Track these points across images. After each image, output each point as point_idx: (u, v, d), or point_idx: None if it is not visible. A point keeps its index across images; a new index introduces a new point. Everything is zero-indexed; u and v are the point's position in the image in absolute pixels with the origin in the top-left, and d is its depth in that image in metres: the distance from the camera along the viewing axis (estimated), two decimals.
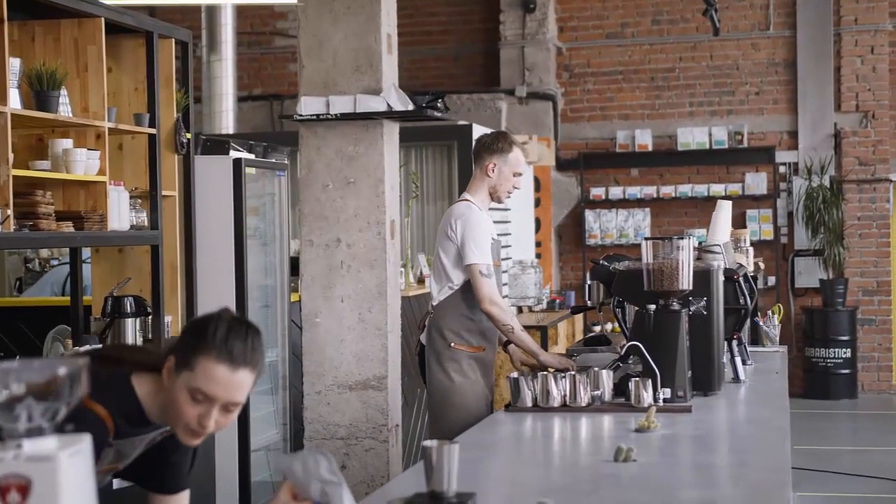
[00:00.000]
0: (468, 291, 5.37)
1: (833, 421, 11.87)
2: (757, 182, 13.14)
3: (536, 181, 12.80)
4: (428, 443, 2.83)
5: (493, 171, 5.48)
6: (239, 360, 2.68)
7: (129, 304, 5.69)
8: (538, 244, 12.86)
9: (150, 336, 5.88)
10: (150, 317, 5.85)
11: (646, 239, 4.66)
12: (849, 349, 12.75)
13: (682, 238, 4.60)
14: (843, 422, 11.96)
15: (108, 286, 5.90)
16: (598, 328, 12.47)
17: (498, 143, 5.53)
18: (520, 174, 5.55)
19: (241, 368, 2.68)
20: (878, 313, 13.13)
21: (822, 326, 12.79)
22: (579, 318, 11.77)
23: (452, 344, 5.39)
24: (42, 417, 1.83)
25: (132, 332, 5.69)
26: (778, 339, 6.77)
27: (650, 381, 4.39)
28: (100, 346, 5.32)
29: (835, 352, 12.73)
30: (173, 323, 6.15)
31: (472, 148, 10.38)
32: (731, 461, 3.63)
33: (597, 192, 13.45)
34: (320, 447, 2.61)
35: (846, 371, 12.76)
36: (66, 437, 1.86)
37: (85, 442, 1.87)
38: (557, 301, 11.36)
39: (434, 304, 5.49)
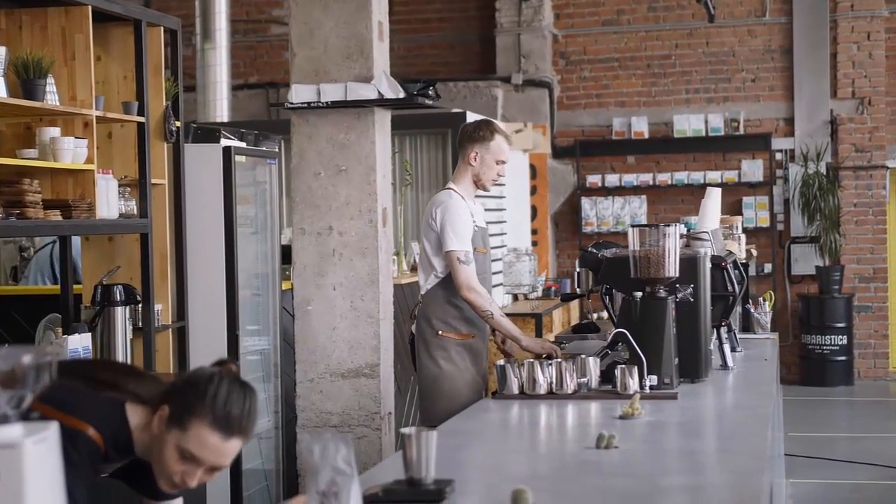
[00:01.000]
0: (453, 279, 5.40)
1: (829, 408, 11.88)
2: (753, 169, 13.13)
3: (532, 169, 12.80)
4: (406, 430, 2.84)
5: (475, 159, 5.51)
6: (234, 429, 2.69)
7: (118, 293, 5.69)
8: (534, 232, 12.86)
9: (139, 324, 5.88)
10: (139, 305, 5.85)
11: (632, 226, 4.67)
12: (845, 336, 12.75)
13: (668, 225, 4.60)
14: (839, 409, 11.97)
15: (97, 274, 5.90)
16: (594, 316, 12.49)
17: (479, 131, 5.55)
18: (503, 162, 5.55)
19: (234, 437, 2.70)
20: (874, 300, 13.13)
21: (818, 313, 12.80)
22: (575, 305, 11.78)
23: (440, 332, 5.42)
24: (7, 405, 1.84)
25: (122, 320, 5.69)
26: (769, 326, 6.77)
27: (636, 368, 4.40)
28: (91, 359, 5.24)
29: (831, 339, 12.73)
30: (163, 311, 6.15)
31: None
32: (712, 448, 3.64)
33: (593, 179, 13.45)
34: (345, 435, 2.63)
35: (842, 358, 12.77)
36: (31, 424, 1.86)
37: (51, 429, 1.87)
38: (553, 289, 11.36)
39: (421, 293, 5.54)
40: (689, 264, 4.73)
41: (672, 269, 4.57)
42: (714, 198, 5.75)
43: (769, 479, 3.14)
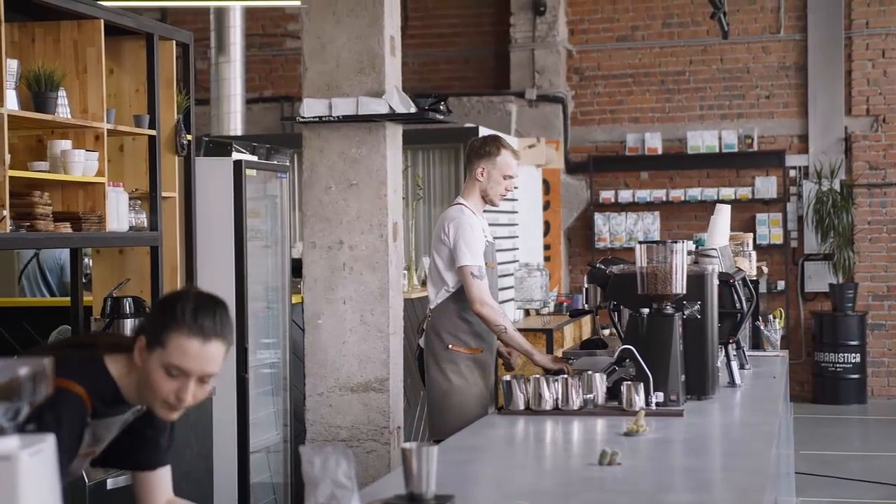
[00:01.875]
0: (464, 293, 5.40)
1: (842, 426, 11.83)
2: (767, 186, 13.11)
3: (546, 184, 12.80)
4: (406, 445, 2.84)
5: (482, 175, 5.54)
6: (210, 333, 2.78)
7: (128, 305, 5.71)
8: (547, 247, 12.86)
9: None
10: None
11: (640, 243, 4.66)
12: (858, 354, 12.71)
13: (675, 242, 4.60)
14: (851, 427, 11.93)
15: (108, 287, 5.92)
16: (606, 332, 12.46)
17: (486, 146, 5.57)
18: (510, 177, 5.57)
19: (213, 341, 2.78)
20: (887, 318, 13.09)
21: (831, 331, 12.75)
22: (587, 321, 11.76)
23: (450, 346, 5.44)
24: (3, 417, 1.85)
25: (131, 333, 5.71)
26: (779, 343, 6.75)
27: (642, 384, 4.39)
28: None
29: (844, 356, 12.69)
30: None
31: None
32: (714, 465, 3.63)
33: (606, 195, 13.44)
34: (346, 448, 2.65)
35: (855, 376, 12.72)
36: (27, 436, 1.87)
37: (47, 442, 1.88)
38: (565, 304, 11.35)
39: (431, 307, 5.56)
40: (697, 281, 4.72)
41: (679, 285, 4.57)
42: (723, 214, 5.74)
43: (772, 496, 3.14)
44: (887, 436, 11.34)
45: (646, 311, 4.58)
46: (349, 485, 2.76)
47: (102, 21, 5.49)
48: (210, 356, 2.78)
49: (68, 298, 6.08)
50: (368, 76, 6.28)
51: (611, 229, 13.44)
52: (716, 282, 4.88)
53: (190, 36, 6.42)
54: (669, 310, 4.58)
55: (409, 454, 2.82)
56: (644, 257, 4.59)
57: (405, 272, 7.92)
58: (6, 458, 1.80)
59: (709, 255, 5.27)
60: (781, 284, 13.02)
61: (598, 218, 13.43)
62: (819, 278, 13.06)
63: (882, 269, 13.07)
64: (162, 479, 3.11)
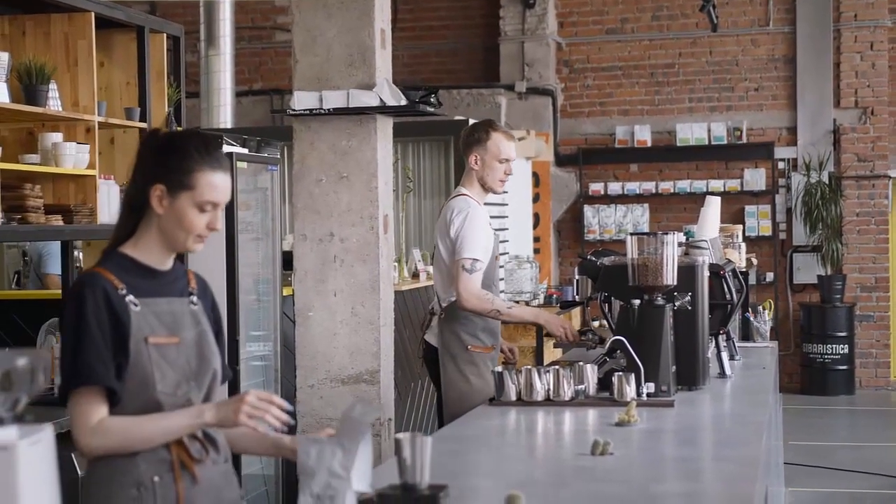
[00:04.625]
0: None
1: (830, 417, 11.89)
2: (756, 178, 13.15)
3: (535, 176, 12.82)
4: (400, 435, 2.85)
5: (476, 162, 5.46)
6: (225, 165, 2.98)
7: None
8: (537, 239, 12.88)
9: None
10: None
11: (630, 234, 4.68)
12: (846, 345, 12.76)
13: (666, 233, 4.61)
14: (840, 418, 11.98)
15: None
16: (596, 323, 12.48)
17: (475, 133, 5.49)
18: (506, 160, 5.46)
19: (227, 170, 2.98)
20: (875, 309, 13.14)
21: (819, 322, 12.80)
22: (577, 313, 11.78)
23: (469, 346, 5.35)
24: (1, 407, 1.86)
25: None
26: (768, 334, 6.78)
27: (633, 375, 4.40)
28: None
29: (832, 348, 12.74)
30: None
31: None
32: (706, 455, 3.65)
33: (596, 187, 13.47)
34: (341, 439, 2.69)
35: (844, 367, 12.77)
36: (26, 426, 1.88)
37: (45, 432, 1.89)
38: (555, 296, 11.36)
39: (444, 304, 5.42)
40: (687, 272, 4.74)
41: (670, 277, 4.58)
42: (713, 206, 5.76)
43: (763, 486, 3.16)
44: (875, 426, 11.40)
45: (637, 302, 4.59)
46: (344, 475, 2.79)
47: (93, 14, 5.49)
48: (229, 184, 2.97)
49: (59, 291, 6.08)
50: (359, 69, 6.29)
51: (600, 221, 13.47)
52: (706, 273, 4.89)
53: (181, 29, 6.42)
54: (660, 301, 4.60)
55: (403, 445, 2.84)
56: (635, 249, 4.60)
57: (395, 265, 7.93)
58: (4, 448, 1.82)
59: (699, 247, 5.29)
60: (770, 276, 13.06)
61: (588, 210, 13.46)
62: (807, 270, 13.10)
63: (870, 261, 13.12)
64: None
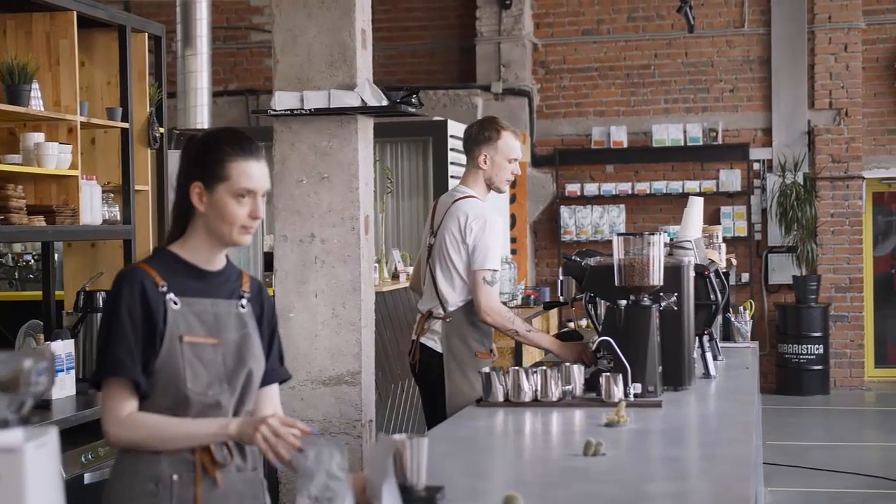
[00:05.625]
0: None
1: (805, 417, 11.94)
2: (731, 179, 13.20)
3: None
4: (398, 437, 2.84)
5: (485, 162, 5.30)
6: (257, 154, 3.04)
7: (101, 299, 5.67)
8: (513, 240, 12.89)
9: None
10: None
11: (617, 235, 4.68)
12: (821, 345, 12.82)
13: (653, 234, 4.62)
14: (815, 417, 12.03)
15: (80, 281, 5.88)
16: (571, 324, 12.51)
17: (485, 131, 5.31)
18: (514, 159, 5.31)
19: (261, 160, 3.04)
20: (850, 310, 13.21)
21: (794, 323, 12.86)
22: (554, 313, 11.81)
23: (477, 353, 5.23)
24: (7, 409, 1.84)
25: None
26: (749, 335, 6.80)
27: (621, 376, 4.41)
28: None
29: (807, 348, 12.80)
30: None
31: (447, 144, 10.41)
32: (698, 455, 3.65)
33: (572, 188, 13.49)
34: (339, 441, 2.70)
35: (818, 367, 12.84)
36: (31, 429, 1.86)
37: (51, 434, 1.87)
38: (533, 297, 11.37)
39: (450, 308, 5.25)
40: (673, 273, 4.75)
41: (657, 277, 4.58)
42: (696, 207, 5.77)
43: (755, 486, 3.16)
44: (850, 426, 11.46)
45: (623, 302, 4.60)
46: (343, 476, 2.78)
47: (75, 13, 5.45)
48: (265, 172, 3.03)
49: (40, 293, 6.03)
50: (340, 69, 6.27)
51: (577, 222, 13.49)
52: (692, 274, 4.90)
53: (162, 28, 6.39)
54: (647, 301, 4.60)
55: (401, 446, 2.83)
56: (621, 249, 4.61)
57: (376, 266, 7.91)
58: (11, 450, 1.80)
59: (683, 248, 5.30)
60: (746, 277, 13.12)
61: (564, 211, 13.48)
62: (782, 270, 13.16)
63: (844, 262, 13.19)
64: (272, 394, 3.21)
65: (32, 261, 9.66)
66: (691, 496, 3.03)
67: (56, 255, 6.63)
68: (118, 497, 2.97)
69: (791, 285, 13.06)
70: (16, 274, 8.88)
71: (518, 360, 8.79)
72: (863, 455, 9.88)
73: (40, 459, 1.83)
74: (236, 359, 3.03)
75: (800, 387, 12.74)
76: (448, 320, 5.26)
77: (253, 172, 2.99)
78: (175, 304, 2.96)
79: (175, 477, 2.94)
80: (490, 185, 5.38)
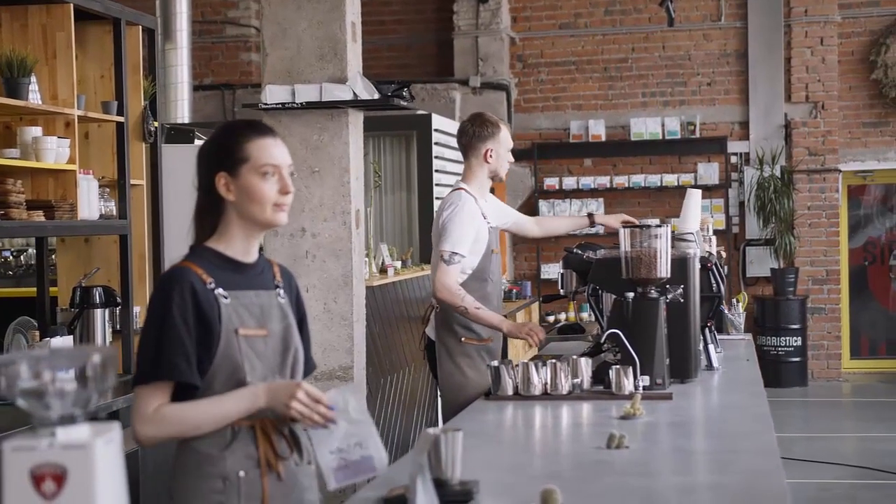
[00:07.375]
0: (474, 283, 5.32)
1: (784, 408, 11.98)
2: (709, 172, 13.24)
3: None
4: (432, 430, 2.82)
5: (491, 156, 5.49)
6: (271, 132, 3.04)
7: (98, 295, 5.62)
8: None
9: (118, 327, 5.81)
10: (119, 307, 5.78)
11: (624, 226, 4.68)
12: (799, 337, 12.89)
13: (659, 226, 4.62)
14: (794, 409, 12.09)
15: (75, 276, 5.82)
16: (551, 318, 12.52)
17: (486, 127, 5.49)
18: (510, 148, 5.61)
19: (276, 137, 3.04)
20: (827, 302, 13.28)
21: (773, 315, 12.92)
22: (535, 307, 11.81)
23: (463, 339, 5.36)
24: (74, 405, 1.81)
25: (101, 322, 5.62)
26: (742, 326, 6.81)
27: (630, 368, 4.40)
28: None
29: (785, 340, 12.86)
30: (142, 314, 6.08)
31: (431, 138, 10.36)
32: (721, 447, 3.63)
33: (550, 182, 13.49)
34: (349, 383, 2.69)
35: (797, 359, 12.91)
36: (97, 424, 1.83)
37: (115, 430, 1.84)
38: (514, 291, 11.39)
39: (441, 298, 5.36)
40: (680, 265, 4.75)
41: (664, 269, 4.58)
42: (695, 199, 5.77)
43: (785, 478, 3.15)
44: (828, 417, 11.53)
45: (630, 295, 4.59)
46: (363, 417, 2.77)
47: (72, 5, 5.39)
48: (284, 149, 3.03)
49: (34, 289, 5.97)
50: (330, 62, 6.25)
51: (555, 216, 13.48)
52: (697, 265, 4.91)
53: (156, 21, 6.33)
54: (654, 294, 4.60)
55: (437, 440, 2.81)
56: (628, 241, 4.60)
57: (365, 260, 7.89)
58: (81, 446, 1.77)
59: (686, 240, 5.30)
60: (725, 269, 13.14)
61: (543, 205, 13.48)
62: (760, 263, 13.22)
63: (822, 254, 13.26)
64: None
65: (11, 257, 9.57)
66: (727, 488, 3.01)
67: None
68: (186, 496, 2.93)
69: (769, 278, 13.13)
70: None
71: (504, 353, 8.78)
72: (842, 446, 9.95)
73: (108, 455, 1.80)
74: (283, 349, 3.02)
75: (779, 379, 12.79)
76: (437, 309, 5.40)
77: (271, 147, 2.99)
78: (225, 298, 2.94)
79: (241, 473, 2.91)
80: (494, 177, 5.56)
